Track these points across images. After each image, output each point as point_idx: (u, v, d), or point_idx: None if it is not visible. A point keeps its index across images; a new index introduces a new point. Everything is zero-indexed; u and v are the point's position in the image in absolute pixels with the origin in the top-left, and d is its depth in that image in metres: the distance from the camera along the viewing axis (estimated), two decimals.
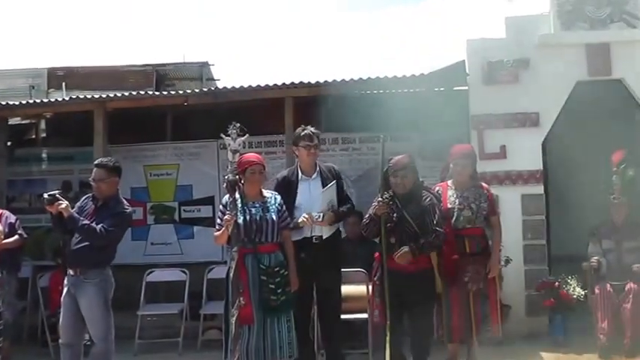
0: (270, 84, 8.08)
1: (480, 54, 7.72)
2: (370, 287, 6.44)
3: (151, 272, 8.15)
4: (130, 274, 7.82)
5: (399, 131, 8.49)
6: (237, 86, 8.22)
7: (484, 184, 6.23)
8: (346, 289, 6.37)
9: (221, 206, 5.77)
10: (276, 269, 5.65)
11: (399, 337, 5.71)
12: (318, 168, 6.24)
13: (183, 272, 8.14)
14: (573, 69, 7.71)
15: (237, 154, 5.69)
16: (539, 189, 7.63)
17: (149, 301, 8.12)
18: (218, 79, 14.55)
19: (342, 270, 6.29)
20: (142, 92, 8.75)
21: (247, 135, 5.78)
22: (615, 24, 7.88)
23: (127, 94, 8.43)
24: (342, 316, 6.26)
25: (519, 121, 7.64)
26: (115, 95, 8.36)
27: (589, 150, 7.66)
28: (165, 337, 7.81)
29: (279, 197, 5.91)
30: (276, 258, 5.72)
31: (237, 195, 5.62)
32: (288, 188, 6.15)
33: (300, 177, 6.20)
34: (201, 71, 13.75)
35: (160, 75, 13.57)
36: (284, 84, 7.97)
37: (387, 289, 5.61)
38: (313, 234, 6.02)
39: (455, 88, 8.25)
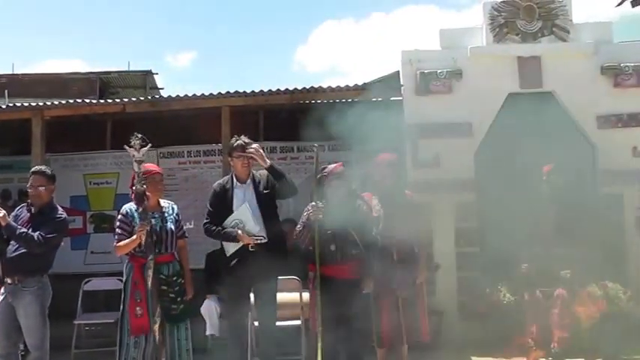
0: (207, 93, 8.13)
1: (413, 65, 7.88)
2: (306, 295, 6.53)
3: (88, 281, 8.10)
4: (69, 283, 7.79)
5: (337, 141, 8.57)
6: (175, 95, 8.25)
7: (408, 192, 6.35)
8: (281, 297, 6.44)
9: (121, 216, 5.82)
10: (174, 278, 5.78)
11: (331, 344, 5.79)
12: (252, 175, 6.31)
13: (121, 281, 8.08)
14: (505, 81, 7.93)
15: (142, 164, 5.75)
16: (472, 197, 7.83)
17: (88, 310, 8.06)
18: (162, 88, 14.55)
19: (278, 278, 6.36)
20: (79, 100, 8.70)
21: (150, 145, 5.82)
22: (546, 37, 8.15)
23: (64, 102, 8.37)
24: (277, 323, 6.33)
25: (452, 130, 7.82)
26: (53, 103, 8.30)
27: (520, 159, 7.84)
28: (102, 347, 7.76)
29: (176, 207, 6.03)
30: (174, 267, 5.85)
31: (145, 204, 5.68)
32: (223, 196, 6.20)
33: (234, 184, 6.25)
34: (144, 80, 13.73)
35: (103, 83, 13.51)
36: (220, 93, 8.02)
37: (318, 296, 5.70)
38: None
39: (392, 99, 8.39)
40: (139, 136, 5.74)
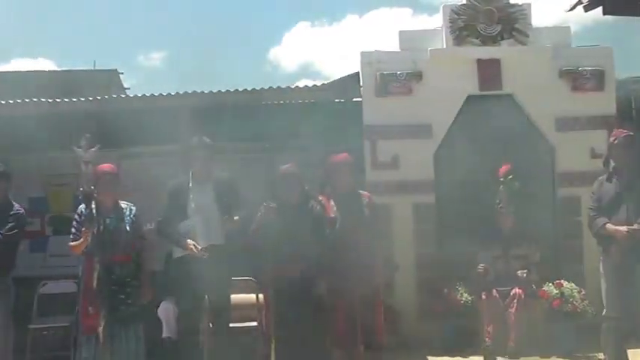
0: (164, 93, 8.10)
1: (373, 66, 7.92)
2: (261, 295, 6.52)
3: (44, 284, 8.00)
4: (26, 286, 7.66)
5: (298, 141, 8.57)
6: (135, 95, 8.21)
7: (364, 192, 6.36)
8: (236, 298, 6.44)
9: (76, 215, 5.80)
10: (127, 280, 5.73)
11: (286, 345, 5.79)
12: (211, 176, 6.29)
13: (77, 283, 8.02)
14: (465, 83, 7.99)
15: (90, 165, 5.72)
16: (431, 198, 7.87)
17: (45, 313, 7.95)
18: (128, 88, 14.45)
19: (233, 279, 6.36)
20: (35, 100, 8.59)
21: (99, 146, 5.78)
22: (506, 41, 8.22)
23: (19, 100, 8.27)
24: (232, 325, 6.32)
25: (412, 132, 7.86)
26: (8, 102, 8.20)
27: (479, 161, 7.90)
28: (58, 351, 7.66)
29: (134, 208, 6.00)
30: (128, 268, 5.80)
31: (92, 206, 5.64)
32: (179, 196, 6.19)
33: (191, 185, 6.23)
34: (109, 79, 13.63)
35: (67, 82, 13.37)
36: (177, 93, 7.99)
37: (274, 297, 5.70)
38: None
39: (354, 99, 8.41)
40: (88, 136, 5.70)
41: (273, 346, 5.67)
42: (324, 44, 51.21)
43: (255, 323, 6.76)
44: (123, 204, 5.99)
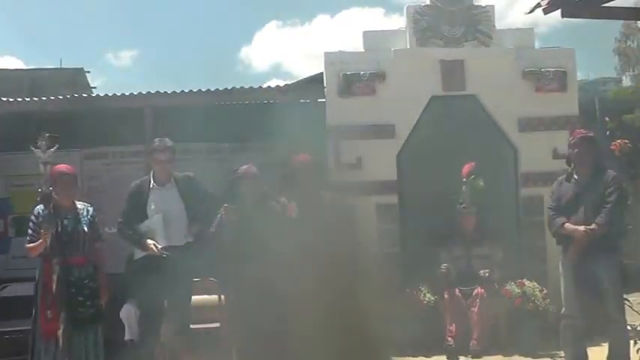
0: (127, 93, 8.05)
1: (337, 66, 7.93)
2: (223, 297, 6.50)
3: (4, 287, 7.89)
4: None
5: (262, 142, 8.55)
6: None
7: (327, 193, 6.37)
8: (197, 299, 6.41)
9: (33, 217, 5.76)
10: (86, 281, 5.69)
11: (248, 346, 5.79)
12: (172, 177, 6.28)
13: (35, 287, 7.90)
14: (428, 83, 8.02)
15: (49, 165, 5.67)
16: (394, 199, 7.89)
17: (8, 317, 7.83)
18: (94, 87, 14.34)
19: (194, 279, 6.33)
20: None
21: (57, 146, 5.74)
22: (469, 42, 8.28)
23: None
24: (193, 326, 6.28)
25: (375, 132, 7.88)
26: None
27: (442, 161, 7.95)
28: (19, 355, 7.55)
29: (91, 209, 5.97)
30: (86, 270, 5.78)
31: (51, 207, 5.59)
32: (139, 197, 6.19)
33: (152, 186, 6.22)
34: (75, 78, 13.50)
35: (32, 81, 13.24)
36: (141, 93, 7.95)
37: (236, 298, 5.69)
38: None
39: (319, 100, 8.42)
40: (47, 135, 5.65)
41: (234, 347, 5.64)
42: (295, 44, 51.23)
43: (217, 324, 6.71)
44: (80, 205, 5.95)
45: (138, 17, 49.79)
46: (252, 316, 5.74)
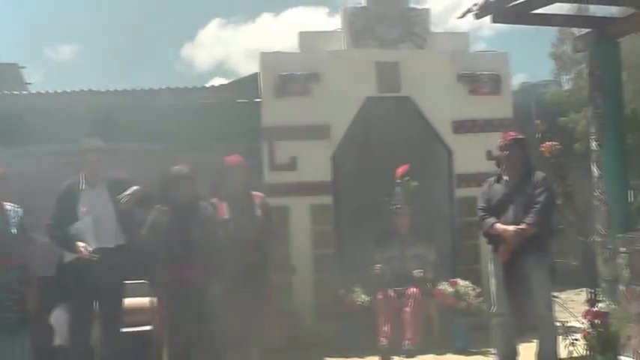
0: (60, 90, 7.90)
1: (272, 67, 7.90)
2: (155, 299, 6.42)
3: None
4: None
5: (198, 142, 8.48)
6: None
7: (258, 194, 6.34)
8: (128, 302, 6.32)
9: None
10: (14, 285, 5.58)
11: (180, 348, 5.72)
12: (103, 178, 6.17)
13: None
14: (363, 85, 8.05)
15: None
16: (328, 199, 7.90)
17: None
18: (29, 83, 13.99)
19: (125, 282, 6.24)
20: None
21: None
22: (404, 44, 8.33)
23: None
24: (124, 330, 6.19)
25: (310, 133, 7.85)
26: None
27: (377, 162, 8.01)
28: None
29: (20, 210, 5.85)
30: (14, 273, 5.63)
31: None
32: (69, 198, 6.05)
33: (82, 186, 6.10)
34: (8, 73, 13.14)
35: None
36: (74, 90, 7.81)
37: (167, 300, 5.62)
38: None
39: (256, 100, 8.39)
40: None
41: (165, 349, 5.57)
42: (238, 42, 50.94)
43: (149, 327, 6.63)
44: (8, 206, 5.79)
45: (79, 10, 48.84)
46: (183, 318, 5.66)
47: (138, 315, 6.58)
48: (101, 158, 6.17)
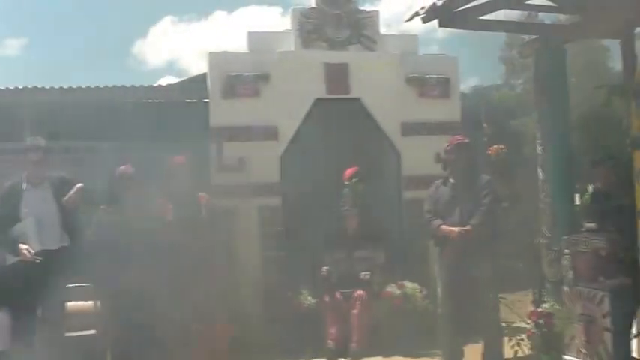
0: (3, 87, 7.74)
1: (221, 67, 7.83)
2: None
3: None
4: None
5: (145, 141, 8.38)
6: None
7: (204, 195, 6.31)
8: (72, 306, 6.22)
9: None
10: None
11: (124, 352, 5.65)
12: (46, 177, 6.06)
13: None
14: (312, 86, 8.04)
15: None
16: (277, 201, 7.87)
17: None
18: None
19: (69, 285, 6.14)
20: None
21: None
22: (354, 46, 8.34)
23: None
24: (68, 334, 6.09)
25: (258, 134, 7.81)
26: None
27: (326, 164, 8.00)
28: None
29: None
30: None
31: None
32: (11, 198, 5.95)
33: (24, 187, 5.98)
34: None
35: None
36: (17, 87, 7.67)
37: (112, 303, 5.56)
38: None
39: (205, 100, 8.31)
40: None
41: (109, 353, 5.50)
42: (191, 40, 50.39)
43: (92, 331, 6.52)
44: None
45: (27, 2, 47.60)
46: (128, 321, 5.59)
47: (81, 319, 6.47)
48: (44, 157, 6.07)
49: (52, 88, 7.77)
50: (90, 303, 6.56)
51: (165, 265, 5.76)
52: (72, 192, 5.84)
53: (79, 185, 5.90)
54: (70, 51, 51.11)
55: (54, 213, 6.02)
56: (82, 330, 6.53)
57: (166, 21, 55.75)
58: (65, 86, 7.83)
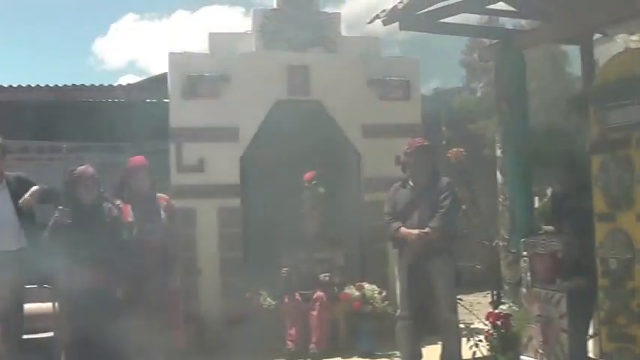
0: None
1: (181, 67, 7.78)
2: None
3: None
4: None
5: (104, 141, 8.31)
6: None
7: (163, 196, 6.27)
8: (30, 308, 6.13)
9: None
10: None
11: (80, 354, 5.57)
12: (3, 177, 5.96)
13: None
14: (273, 87, 8.03)
15: None
16: (236, 202, 7.83)
17: None
18: None
19: (26, 287, 6.05)
20: None
21: None
22: (315, 48, 8.35)
23: None
24: (25, 337, 6.00)
25: (218, 135, 7.77)
26: None
27: (286, 166, 7.99)
28: None
29: None
30: None
31: None
32: None
33: None
34: None
35: None
36: None
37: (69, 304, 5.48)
38: None
39: (165, 100, 8.26)
40: None
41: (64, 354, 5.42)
42: (152, 39, 49.95)
43: (51, 334, 6.43)
44: None
45: None
46: (85, 323, 5.50)
47: (39, 321, 6.38)
48: (1, 157, 5.96)
49: (10, 86, 7.62)
50: (48, 305, 6.45)
51: (125, 266, 5.69)
52: (27, 195, 5.76)
53: (35, 188, 5.82)
54: (28, 48, 50.30)
55: (11, 213, 5.92)
56: (40, 332, 6.44)
57: (128, 18, 55.09)
58: (23, 84, 7.68)
